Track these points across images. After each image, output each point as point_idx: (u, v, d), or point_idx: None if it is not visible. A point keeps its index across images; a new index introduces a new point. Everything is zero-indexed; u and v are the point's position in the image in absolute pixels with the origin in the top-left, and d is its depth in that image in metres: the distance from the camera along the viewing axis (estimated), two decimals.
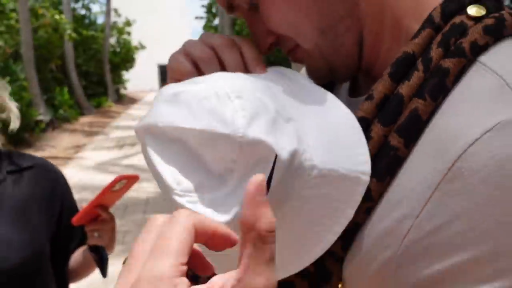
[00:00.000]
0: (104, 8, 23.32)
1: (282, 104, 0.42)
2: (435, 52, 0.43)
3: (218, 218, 0.38)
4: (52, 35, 14.37)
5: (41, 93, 12.00)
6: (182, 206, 0.38)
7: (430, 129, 0.41)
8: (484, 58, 0.42)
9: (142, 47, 25.54)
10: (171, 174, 0.39)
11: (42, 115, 12.20)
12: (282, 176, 0.39)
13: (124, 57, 23.90)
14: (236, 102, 0.39)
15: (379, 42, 0.51)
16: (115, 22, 24.09)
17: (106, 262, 1.22)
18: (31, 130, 11.13)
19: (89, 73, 20.65)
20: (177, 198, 0.39)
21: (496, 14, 0.44)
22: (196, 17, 23.78)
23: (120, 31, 24.20)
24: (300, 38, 0.51)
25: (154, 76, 37.46)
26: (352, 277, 0.44)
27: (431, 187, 0.39)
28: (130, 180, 1.11)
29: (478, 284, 0.37)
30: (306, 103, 0.46)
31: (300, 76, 0.52)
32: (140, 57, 27.14)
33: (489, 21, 0.43)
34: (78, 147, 9.80)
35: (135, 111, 17.98)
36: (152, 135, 0.42)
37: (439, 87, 0.41)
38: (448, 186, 0.38)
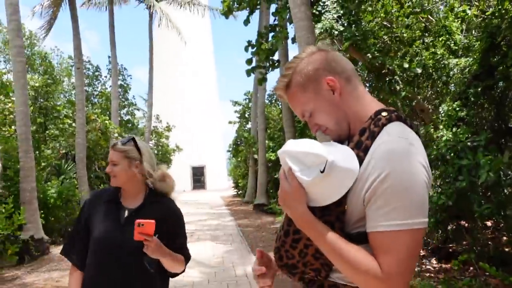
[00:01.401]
0: (146, 114, 25.34)
1: (329, 146, 1.21)
2: (371, 127, 1.20)
3: (306, 178, 1.15)
4: (100, 137, 15.67)
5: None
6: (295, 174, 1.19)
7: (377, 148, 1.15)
8: (386, 128, 1.18)
9: (179, 149, 27.00)
10: (294, 166, 1.18)
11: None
12: (329, 167, 1.13)
13: (162, 159, 25.21)
14: (322, 147, 1.18)
15: (353, 124, 1.28)
16: (155, 127, 25.88)
17: (151, 266, 2.01)
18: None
19: None
20: (296, 173, 1.17)
21: (389, 115, 1.21)
22: (230, 122, 25.37)
23: (160, 135, 25.87)
24: (329, 127, 1.29)
25: (187, 177, 38.77)
26: (349, 204, 1.16)
27: (368, 164, 1.13)
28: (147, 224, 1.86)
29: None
30: (335, 146, 1.22)
31: (331, 142, 1.27)
32: (175, 159, 28.50)
33: (387, 116, 1.21)
34: None
35: None
36: (288, 154, 1.20)
37: (372, 136, 1.18)
38: (372, 161, 1.12)
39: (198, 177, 39.70)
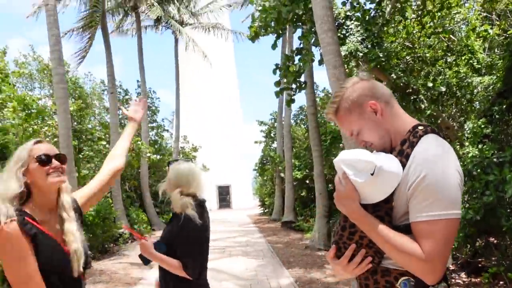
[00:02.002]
0: (173, 135, 25.99)
1: (376, 154, 1.53)
2: (410, 138, 1.51)
3: (359, 180, 1.45)
4: (133, 158, 16.28)
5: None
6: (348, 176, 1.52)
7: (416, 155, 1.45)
8: (422, 138, 1.48)
9: (206, 169, 27.51)
10: (348, 170, 1.50)
11: (123, 229, 13.41)
12: (378, 171, 1.44)
13: None
14: (370, 155, 1.50)
15: (394, 138, 1.58)
16: (182, 147, 26.50)
17: (145, 263, 2.66)
18: (115, 240, 12.27)
19: (158, 193, 22.32)
20: (350, 176, 1.49)
21: (425, 129, 1.52)
22: (256, 142, 25.79)
23: (187, 155, 26.44)
24: (375, 142, 1.63)
25: (213, 196, 39.22)
26: (396, 201, 1.46)
27: (409, 168, 1.44)
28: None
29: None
30: (381, 155, 1.52)
31: (377, 152, 1.59)
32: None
33: (423, 129, 1.51)
34: None
35: None
36: (342, 162, 1.52)
37: (412, 146, 1.47)
38: (412, 165, 1.43)
39: (224, 196, 40.09)
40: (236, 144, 40.85)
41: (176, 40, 23.44)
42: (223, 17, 25.89)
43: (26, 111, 10.53)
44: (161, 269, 2.63)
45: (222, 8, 24.34)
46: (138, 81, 21.53)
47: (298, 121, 20.86)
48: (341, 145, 15.60)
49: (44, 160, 1.83)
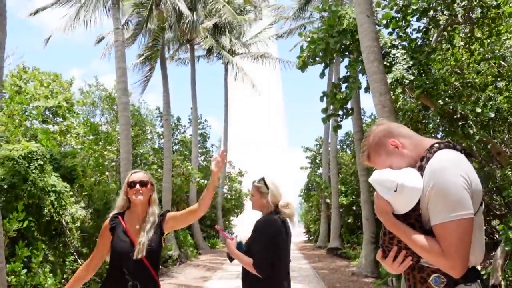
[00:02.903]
0: None
1: (402, 172, 1.85)
2: (427, 154, 1.82)
3: (386, 196, 1.82)
4: (183, 182, 17.02)
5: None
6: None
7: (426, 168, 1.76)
8: (436, 154, 1.78)
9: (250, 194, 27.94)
10: (378, 188, 1.86)
11: (173, 251, 14.00)
12: (400, 188, 1.77)
13: (236, 203, 26.22)
14: (395, 173, 1.85)
15: (416, 157, 1.89)
16: (229, 172, 27.17)
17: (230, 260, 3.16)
18: (164, 262, 12.84)
19: (205, 217, 22.93)
20: (380, 193, 1.85)
21: (439, 145, 1.83)
22: (301, 168, 26.03)
23: (233, 180, 27.07)
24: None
25: None
26: (422, 209, 1.77)
27: (424, 180, 1.74)
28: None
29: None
30: (406, 172, 1.84)
31: (407, 168, 1.91)
32: (247, 204, 29.40)
33: (438, 146, 1.83)
34: (205, 278, 11.02)
35: None
36: (374, 181, 1.89)
37: (427, 161, 1.78)
38: (425, 178, 1.73)
39: None
40: (281, 170, 41.17)
41: (226, 69, 24.47)
42: (271, 46, 26.77)
43: (96, 136, 11.46)
44: (243, 267, 3.09)
45: (271, 38, 25.22)
46: (191, 108, 22.59)
47: (344, 146, 20.97)
48: None
49: (131, 185, 2.83)
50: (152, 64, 15.09)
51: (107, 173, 14.94)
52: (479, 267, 1.86)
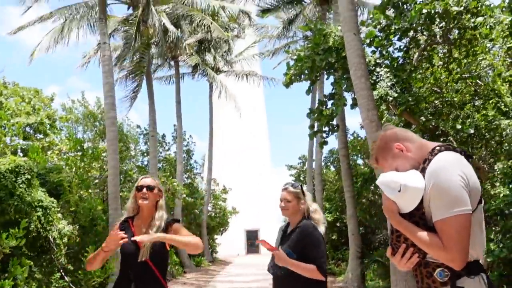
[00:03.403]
0: (204, 177, 26.70)
1: (406, 174, 2.00)
2: (429, 156, 1.97)
3: (391, 196, 1.97)
4: (169, 199, 16.93)
5: None
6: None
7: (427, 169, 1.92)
8: (436, 156, 1.94)
9: (235, 211, 27.86)
10: (383, 189, 2.01)
11: None
12: (403, 188, 1.92)
13: (220, 221, 26.07)
14: (399, 175, 2.00)
15: (420, 159, 2.02)
16: (213, 190, 27.07)
17: (281, 271, 3.12)
18: None
19: None
20: (386, 194, 2.00)
21: (440, 148, 1.99)
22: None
23: (217, 198, 26.96)
24: (409, 170, 2.13)
25: (241, 241, 39.23)
26: (425, 208, 1.91)
27: (425, 180, 1.89)
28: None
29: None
30: (410, 173, 1.98)
31: (411, 170, 2.03)
32: (231, 222, 29.22)
33: (439, 148, 1.98)
34: None
35: (231, 269, 19.01)
36: (380, 183, 2.03)
37: (429, 163, 1.93)
38: (426, 178, 1.89)
39: (253, 241, 40.03)
40: (264, 188, 41.17)
41: (211, 87, 24.63)
42: (255, 64, 27.14)
43: (81, 152, 11.39)
44: (277, 280, 3.15)
45: (255, 56, 25.58)
46: (174, 125, 22.58)
47: (328, 163, 21.21)
48: (371, 187, 15.83)
49: (139, 189, 2.93)
50: (139, 80, 15.15)
51: (90, 191, 14.75)
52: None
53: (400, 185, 1.92)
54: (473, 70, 10.83)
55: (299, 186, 3.31)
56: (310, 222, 3.19)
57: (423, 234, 1.84)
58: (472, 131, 8.87)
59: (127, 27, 15.42)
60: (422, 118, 9.30)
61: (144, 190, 2.89)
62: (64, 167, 11.88)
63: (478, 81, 10.90)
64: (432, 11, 8.66)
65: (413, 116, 9.35)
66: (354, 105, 10.41)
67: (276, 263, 3.03)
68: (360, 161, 18.80)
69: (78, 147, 12.95)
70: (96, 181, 16.73)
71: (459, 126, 8.93)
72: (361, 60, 7.30)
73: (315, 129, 11.07)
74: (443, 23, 10.06)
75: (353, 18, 7.56)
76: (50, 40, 13.84)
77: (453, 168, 1.83)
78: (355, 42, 7.38)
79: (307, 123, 11.17)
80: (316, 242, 3.09)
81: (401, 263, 1.99)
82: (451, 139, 9.38)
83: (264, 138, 44.18)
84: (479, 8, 8.73)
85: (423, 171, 1.94)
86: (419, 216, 1.91)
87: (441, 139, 9.11)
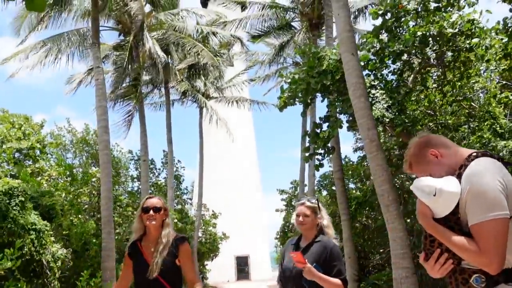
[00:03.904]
0: (194, 203, 26.37)
1: (441, 179, 1.94)
2: (465, 162, 1.93)
3: (426, 200, 1.92)
4: None
5: None
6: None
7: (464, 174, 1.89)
8: (473, 161, 1.90)
9: (226, 237, 27.42)
10: (418, 194, 1.96)
11: None
12: (438, 192, 1.88)
13: (210, 248, 25.61)
14: (434, 180, 1.95)
15: (455, 166, 1.98)
16: (203, 215, 26.69)
17: (310, 286, 3.03)
18: None
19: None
20: (421, 198, 1.95)
21: (476, 154, 1.95)
22: (277, 210, 25.86)
23: (207, 223, 26.56)
24: (443, 176, 2.07)
25: (231, 267, 38.48)
26: (460, 213, 1.86)
27: (462, 185, 1.86)
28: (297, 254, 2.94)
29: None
30: (445, 179, 1.94)
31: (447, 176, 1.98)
32: (222, 248, 28.75)
33: (475, 154, 1.95)
34: None
35: None
36: (415, 188, 1.99)
37: (465, 168, 1.89)
38: (463, 183, 1.85)
39: (242, 267, 39.32)
40: (254, 213, 40.81)
41: (201, 112, 24.60)
42: (244, 90, 27.31)
43: (71, 177, 11.19)
44: None
45: (245, 82, 25.75)
46: (164, 151, 22.39)
47: (321, 187, 21.14)
48: (365, 211, 15.71)
49: (145, 210, 2.97)
50: (134, 104, 15.08)
51: (80, 216, 14.45)
52: None
53: (435, 189, 1.88)
54: (467, 93, 10.99)
55: (316, 201, 3.31)
56: (327, 237, 3.21)
57: (459, 239, 1.80)
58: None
59: (118, 53, 15.47)
60: None
61: (151, 212, 2.94)
62: (54, 192, 11.62)
63: (472, 103, 11.05)
64: (427, 33, 8.80)
65: (411, 138, 9.38)
66: (350, 127, 10.44)
67: (304, 276, 2.97)
68: (352, 185, 18.77)
69: (68, 173, 12.74)
70: (86, 206, 16.41)
71: None
72: (359, 80, 7.34)
73: (311, 151, 11.03)
74: (437, 45, 10.26)
75: (350, 38, 7.65)
76: (36, 61, 13.86)
77: (490, 172, 1.80)
78: (353, 62, 7.44)
79: (294, 149, 11.16)
80: (339, 256, 3.12)
81: (435, 269, 1.94)
82: None
83: (254, 163, 44.08)
84: (473, 30, 8.91)
85: (459, 177, 1.90)
86: (454, 221, 1.87)
87: None
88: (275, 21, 18.73)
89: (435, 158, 2.04)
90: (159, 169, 24.65)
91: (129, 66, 14.05)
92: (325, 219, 3.30)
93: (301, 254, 3.01)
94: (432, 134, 2.25)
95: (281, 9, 18.35)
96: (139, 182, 21.13)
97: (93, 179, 15.85)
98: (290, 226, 23.26)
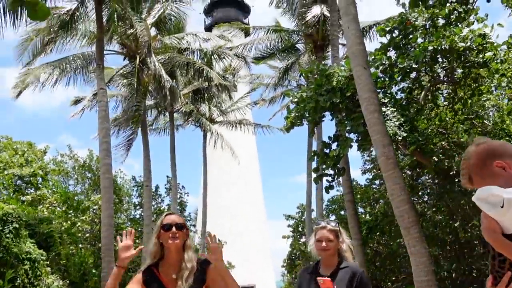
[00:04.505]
0: (198, 232, 25.77)
1: (506, 189, 1.53)
2: None
3: (492, 213, 1.53)
4: None
5: None
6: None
7: None
8: None
9: (231, 266, 26.63)
10: (482, 206, 1.55)
11: None
12: (506, 203, 1.48)
13: None
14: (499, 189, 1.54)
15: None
16: (207, 243, 26.01)
17: None
18: None
19: None
20: (485, 210, 1.55)
21: None
22: (283, 237, 25.19)
23: (210, 251, 25.86)
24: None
25: None
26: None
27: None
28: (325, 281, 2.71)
29: None
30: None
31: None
32: None
33: None
34: None
35: None
36: (478, 199, 1.57)
37: None
38: None
39: None
40: (260, 240, 39.98)
41: (205, 137, 24.32)
42: (247, 113, 27.13)
43: (69, 205, 10.83)
44: None
45: (248, 106, 25.58)
46: (168, 176, 21.99)
47: (329, 212, 20.61)
48: (375, 237, 15.16)
49: (166, 228, 2.54)
50: (135, 128, 14.81)
51: (80, 246, 14.00)
52: None
53: (502, 200, 1.53)
54: (478, 111, 10.66)
55: (337, 224, 3.07)
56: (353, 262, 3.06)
57: None
58: None
59: (122, 78, 15.35)
60: (434, 158, 8.94)
61: (174, 229, 2.55)
62: (52, 219, 11.24)
63: (484, 121, 10.70)
64: (438, 48, 8.52)
65: (424, 156, 8.99)
66: (360, 146, 10.06)
67: None
68: (361, 210, 18.22)
69: (66, 199, 12.39)
70: (87, 235, 15.94)
71: None
72: (372, 95, 7.01)
73: (319, 172, 10.62)
74: (446, 62, 9.97)
75: (362, 52, 7.36)
76: (39, 83, 13.78)
77: None
78: (365, 76, 7.13)
79: (298, 175, 10.76)
80: (369, 284, 3.00)
81: None
82: None
83: (258, 189, 43.53)
84: (484, 45, 8.64)
85: None
86: None
87: (457, 179, 8.70)
88: (279, 44, 18.69)
89: (503, 171, 1.69)
90: (162, 195, 24.26)
91: (137, 89, 13.90)
92: (345, 243, 3.06)
93: (331, 281, 2.73)
94: (492, 140, 1.86)
95: (286, 32, 18.31)
96: (141, 209, 20.67)
97: (95, 207, 15.44)
98: (298, 253, 22.56)
